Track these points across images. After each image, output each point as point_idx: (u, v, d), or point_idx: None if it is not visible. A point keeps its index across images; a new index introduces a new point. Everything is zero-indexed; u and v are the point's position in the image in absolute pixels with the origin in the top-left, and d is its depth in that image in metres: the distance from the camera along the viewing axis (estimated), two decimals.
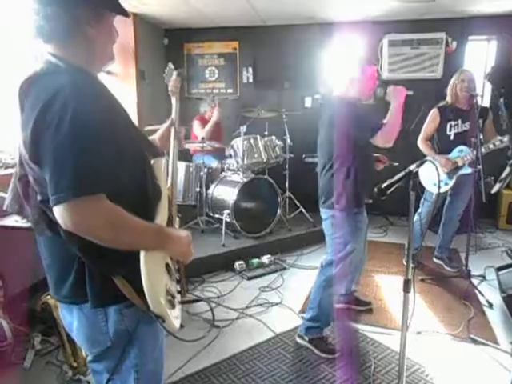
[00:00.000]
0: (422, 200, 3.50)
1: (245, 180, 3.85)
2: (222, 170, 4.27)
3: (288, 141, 4.39)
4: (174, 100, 1.61)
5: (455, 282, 3.26)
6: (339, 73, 2.38)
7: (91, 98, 0.99)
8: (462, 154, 3.28)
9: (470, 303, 2.90)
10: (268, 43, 5.03)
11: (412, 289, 1.51)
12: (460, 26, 4.62)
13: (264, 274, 3.47)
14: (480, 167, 2.96)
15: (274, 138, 4.23)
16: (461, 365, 2.28)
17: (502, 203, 4.54)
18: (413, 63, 4.65)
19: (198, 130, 4.43)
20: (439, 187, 3.32)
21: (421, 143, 3.39)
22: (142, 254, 1.04)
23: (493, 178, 3.20)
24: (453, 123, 3.30)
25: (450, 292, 3.14)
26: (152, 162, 1.27)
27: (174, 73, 1.64)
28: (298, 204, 4.40)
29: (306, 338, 2.44)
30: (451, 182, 3.32)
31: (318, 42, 4.92)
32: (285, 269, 3.61)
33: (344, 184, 2.25)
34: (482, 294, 3.01)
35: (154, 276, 1.05)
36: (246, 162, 3.95)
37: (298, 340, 2.48)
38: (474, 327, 2.60)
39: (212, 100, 4.52)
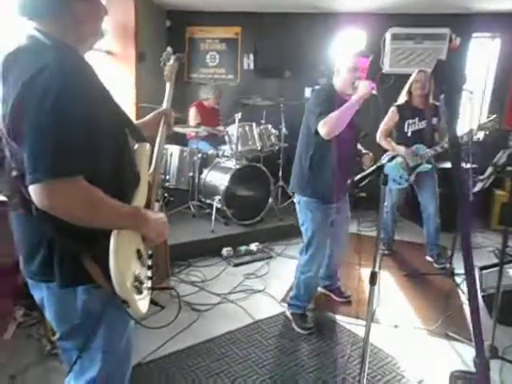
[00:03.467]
0: (381, 193, 3.57)
1: (237, 167, 3.86)
2: (216, 155, 4.28)
3: (283, 130, 4.40)
4: (168, 85, 1.59)
5: (439, 280, 3.29)
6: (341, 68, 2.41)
7: (75, 78, 0.98)
8: (418, 151, 3.36)
9: (451, 301, 2.93)
10: (270, 31, 4.97)
11: (378, 281, 1.53)
12: (464, 23, 4.57)
13: (251, 262, 3.50)
14: (470, 166, 2.90)
15: (269, 126, 4.24)
16: (433, 360, 2.32)
17: (495, 204, 4.54)
18: (415, 58, 4.61)
19: (193, 117, 4.43)
20: (400, 183, 3.48)
21: (381, 140, 3.47)
22: (113, 239, 1.05)
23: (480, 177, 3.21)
24: (410, 121, 3.39)
25: (433, 289, 3.17)
26: (135, 146, 1.29)
27: (172, 57, 1.63)
28: (289, 193, 4.35)
29: (289, 311, 2.65)
30: (410, 179, 3.42)
31: (320, 33, 4.87)
32: (272, 257, 3.64)
33: (300, 172, 2.41)
34: (463, 292, 3.04)
35: (122, 261, 1.06)
36: (240, 148, 3.96)
37: (286, 311, 2.68)
38: (452, 324, 2.63)
39: (215, 93, 4.50)
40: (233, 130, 3.98)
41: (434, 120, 3.35)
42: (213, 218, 3.75)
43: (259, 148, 4.06)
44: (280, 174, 4.46)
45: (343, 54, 2.28)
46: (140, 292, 1.13)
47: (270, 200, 4.08)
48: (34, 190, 0.95)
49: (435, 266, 3.55)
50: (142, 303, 1.15)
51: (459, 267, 3.29)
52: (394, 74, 4.73)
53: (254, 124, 4.09)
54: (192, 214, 4.04)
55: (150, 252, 1.28)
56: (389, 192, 3.51)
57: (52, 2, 1.04)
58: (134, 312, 1.11)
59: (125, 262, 1.08)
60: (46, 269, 1.08)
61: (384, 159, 1.68)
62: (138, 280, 1.13)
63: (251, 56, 5.15)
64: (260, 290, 3.02)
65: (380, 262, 1.57)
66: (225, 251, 3.55)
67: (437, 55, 4.52)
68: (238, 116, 3.87)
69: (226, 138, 4.06)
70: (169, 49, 1.66)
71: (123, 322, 1.21)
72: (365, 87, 2.12)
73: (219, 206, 3.80)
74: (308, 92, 5.04)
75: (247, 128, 4.05)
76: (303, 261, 2.53)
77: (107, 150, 1.07)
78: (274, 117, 4.47)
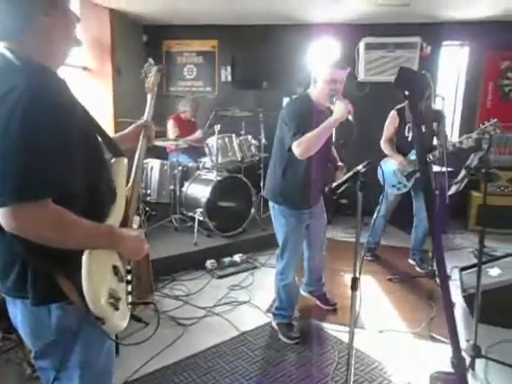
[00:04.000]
0: (381, 197, 3.57)
1: (218, 178, 3.87)
2: (197, 168, 4.29)
3: (263, 140, 4.43)
4: (149, 97, 1.60)
5: (422, 282, 3.34)
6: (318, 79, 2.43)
7: (43, 98, 0.96)
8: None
9: (434, 303, 2.97)
10: (247, 43, 5.03)
11: (360, 287, 1.54)
12: (435, 31, 4.71)
13: (235, 273, 3.49)
14: (444, 169, 3.01)
15: (249, 137, 4.27)
16: (419, 362, 2.33)
17: (472, 205, 4.65)
18: (389, 66, 4.73)
19: (172, 130, 4.44)
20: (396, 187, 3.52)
21: (383, 144, 3.52)
22: (85, 256, 1.04)
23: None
24: (410, 125, 3.39)
25: (416, 292, 3.21)
26: (112, 161, 1.28)
27: (154, 68, 1.63)
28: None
29: (275, 322, 2.65)
30: (409, 184, 3.46)
31: (296, 43, 4.95)
32: (256, 268, 3.63)
33: (274, 179, 2.44)
34: None
35: (95, 278, 1.05)
36: (220, 160, 3.97)
37: (272, 321, 2.69)
38: (436, 326, 2.66)
39: (192, 105, 4.53)
40: (212, 141, 3.99)
41: (434, 125, 3.38)
42: (195, 230, 3.73)
43: (239, 159, 4.08)
44: (261, 184, 4.45)
45: (320, 65, 2.29)
46: (117, 308, 1.12)
47: (252, 210, 4.10)
48: (1, 213, 0.95)
49: (418, 270, 3.61)
50: (120, 319, 1.13)
51: None
52: (369, 81, 4.86)
53: (233, 135, 4.12)
54: (174, 228, 4.02)
55: (128, 267, 1.27)
56: (385, 197, 3.55)
57: (20, 21, 1.03)
58: (111, 328, 1.10)
59: (99, 279, 1.07)
60: (20, 285, 1.08)
61: (360, 166, 1.68)
62: (113, 296, 1.11)
63: (228, 68, 5.19)
64: (245, 302, 3.01)
65: (361, 267, 1.58)
66: (208, 264, 3.53)
67: (409, 63, 4.64)
68: (218, 128, 3.89)
69: (206, 150, 4.08)
70: (150, 60, 1.68)
71: (100, 338, 1.18)
72: (341, 110, 2.06)
73: (201, 218, 3.79)
74: (286, 102, 5.06)
75: (227, 139, 4.06)
76: (280, 267, 2.54)
77: (81, 167, 1.05)
78: (254, 127, 4.50)
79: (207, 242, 3.79)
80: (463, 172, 2.89)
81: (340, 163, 2.57)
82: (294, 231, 2.44)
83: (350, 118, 2.06)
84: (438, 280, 3.26)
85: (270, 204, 2.50)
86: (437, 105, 3.44)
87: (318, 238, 2.73)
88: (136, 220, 1.40)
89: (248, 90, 5.15)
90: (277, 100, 5.06)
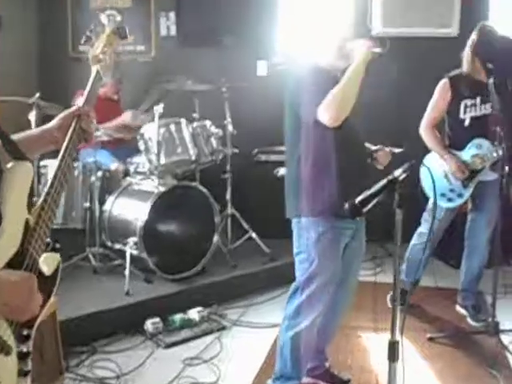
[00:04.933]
0: (424, 215, 3.70)
1: (161, 189, 3.87)
2: (127, 173, 4.26)
3: (230, 128, 4.47)
4: (94, 70, 1.67)
5: (479, 341, 3.41)
6: (318, 29, 2.63)
7: None
8: (480, 150, 3.46)
9: (499, 373, 3.00)
10: None
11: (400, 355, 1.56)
12: None
13: (192, 338, 3.47)
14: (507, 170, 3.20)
15: (208, 123, 4.29)
16: None
17: None
18: (416, 13, 4.89)
19: None
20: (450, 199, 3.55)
21: (425, 131, 3.60)
22: None
23: None
24: (468, 102, 3.48)
25: (471, 355, 3.27)
26: (9, 166, 1.32)
27: (108, 29, 1.71)
28: (245, 226, 4.47)
29: None
30: (467, 193, 3.52)
31: None
32: (225, 328, 3.62)
33: (298, 184, 2.54)
34: None
35: None
36: (163, 160, 3.98)
37: None
38: None
39: (114, 75, 4.45)
40: (151, 131, 3.98)
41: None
42: (127, 272, 3.70)
43: (194, 158, 4.09)
44: (229, 195, 4.50)
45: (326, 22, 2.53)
46: None
47: (216, 238, 4.09)
48: None
49: (471, 322, 3.69)
50: None
51: (506, 320, 3.44)
52: (389, 36, 4.88)
53: (183, 121, 4.13)
54: (92, 269, 3.98)
55: (25, 331, 1.28)
56: (429, 214, 3.60)
57: None
58: None
59: None
60: None
61: (398, 170, 1.77)
62: None
63: (171, 15, 5.23)
64: (211, 383, 2.99)
65: (403, 324, 1.60)
66: (150, 325, 3.48)
67: (447, 6, 4.89)
68: (160, 110, 3.87)
69: (141, 144, 4.07)
70: (103, 16, 1.77)
71: None
72: (361, 46, 2.37)
73: (136, 252, 3.78)
74: (263, 68, 5.19)
75: (173, 127, 4.08)
76: (293, 308, 2.61)
77: None
78: (214, 108, 4.53)
79: (146, 290, 3.77)
80: None
81: (375, 146, 2.73)
82: (328, 252, 2.53)
83: (377, 49, 2.38)
84: (501, 338, 3.34)
85: (294, 222, 2.61)
86: None
87: (351, 273, 2.79)
88: (51, 260, 1.41)
89: (202, 49, 5.17)
90: (247, 65, 5.14)
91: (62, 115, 1.60)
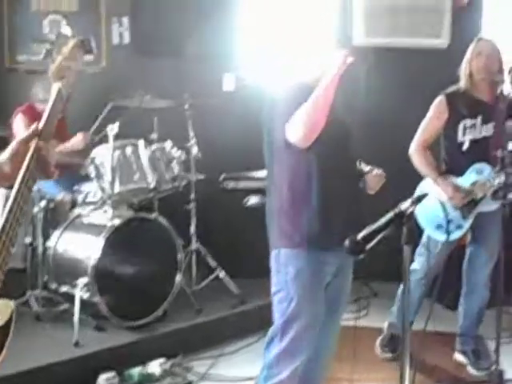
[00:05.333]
0: (418, 249, 3.78)
1: (116, 222, 3.90)
2: (74, 204, 4.27)
3: (194, 151, 4.53)
4: (56, 88, 1.70)
5: None
6: (294, 39, 2.79)
7: None
8: (481, 176, 3.55)
9: None
10: None
11: None
12: None
13: None
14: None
15: (168, 145, 4.36)
16: None
17: None
18: (403, 21, 5.04)
19: (23, 133, 4.40)
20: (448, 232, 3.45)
21: (416, 153, 3.70)
22: None
23: None
24: (468, 122, 3.60)
25: None
26: None
27: (72, 42, 1.75)
28: (212, 264, 4.51)
29: None
30: (466, 225, 3.61)
31: None
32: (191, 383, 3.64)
33: (279, 212, 2.62)
34: None
35: None
36: (118, 188, 4.01)
37: None
38: None
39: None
40: (103, 155, 4.03)
41: (511, 123, 3.47)
42: (75, 319, 3.67)
43: (153, 185, 4.12)
44: (193, 228, 4.55)
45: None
46: None
47: (179, 278, 4.13)
48: None
49: (471, 371, 3.76)
50: None
51: (510, 366, 3.53)
52: (372, 46, 4.97)
53: (140, 143, 4.18)
54: (35, 315, 3.96)
55: None
56: (424, 248, 3.68)
57: None
58: None
59: None
60: None
61: (407, 202, 1.88)
62: None
63: (125, 21, 5.28)
64: None
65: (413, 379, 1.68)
66: (103, 381, 3.45)
67: (436, 15, 5.02)
68: (114, 129, 3.93)
69: (91, 170, 4.11)
70: (64, 28, 1.84)
71: None
72: (336, 58, 2.38)
73: (86, 295, 3.76)
74: (230, 82, 5.23)
75: (129, 151, 4.12)
76: (272, 356, 2.62)
77: None
78: (175, 128, 4.60)
79: (99, 339, 3.75)
80: None
81: (367, 167, 2.76)
82: (309, 291, 2.56)
83: (350, 59, 2.36)
84: None
85: (273, 253, 2.65)
86: None
87: (335, 315, 2.82)
88: (4, 308, 1.50)
89: (161, 59, 5.20)
90: (213, 78, 5.17)
91: (15, 142, 1.60)
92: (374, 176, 2.71)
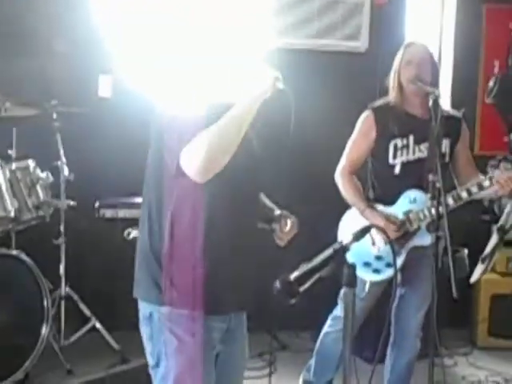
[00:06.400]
0: (342, 292, 3.61)
1: None
2: None
3: (65, 172, 4.36)
4: None
5: None
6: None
7: None
8: (415, 205, 3.45)
9: None
10: None
11: None
12: None
13: None
14: (445, 233, 3.13)
15: (32, 164, 4.28)
16: None
17: (480, 299, 4.80)
18: (317, 22, 5.05)
19: None
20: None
21: (341, 177, 3.57)
22: None
23: (466, 250, 3.52)
24: (399, 142, 3.49)
25: None
26: None
27: None
28: (87, 313, 4.41)
29: None
30: (399, 262, 3.43)
31: None
32: None
33: (150, 253, 2.36)
34: None
35: None
36: None
37: None
38: None
39: None
40: None
41: (445, 142, 3.46)
42: None
43: (12, 214, 4.01)
44: (62, 269, 4.36)
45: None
46: None
47: (45, 330, 3.99)
48: None
49: None
50: None
51: None
52: (286, 48, 4.88)
53: None
54: None
55: None
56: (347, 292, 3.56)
57: None
58: None
59: None
60: None
61: (345, 236, 1.87)
62: None
63: None
64: None
65: None
66: None
67: (353, 17, 5.06)
68: None
69: None
70: None
71: None
72: (267, 77, 2.13)
73: None
74: (106, 85, 5.06)
75: None
76: None
77: None
78: (41, 143, 4.51)
79: None
80: (495, 238, 3.07)
81: (279, 210, 2.57)
82: (191, 365, 2.30)
83: (280, 84, 2.11)
84: None
85: (143, 313, 2.38)
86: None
87: None
88: None
89: (20, 57, 4.86)
90: (87, 81, 4.96)
91: None
92: (283, 225, 2.54)
